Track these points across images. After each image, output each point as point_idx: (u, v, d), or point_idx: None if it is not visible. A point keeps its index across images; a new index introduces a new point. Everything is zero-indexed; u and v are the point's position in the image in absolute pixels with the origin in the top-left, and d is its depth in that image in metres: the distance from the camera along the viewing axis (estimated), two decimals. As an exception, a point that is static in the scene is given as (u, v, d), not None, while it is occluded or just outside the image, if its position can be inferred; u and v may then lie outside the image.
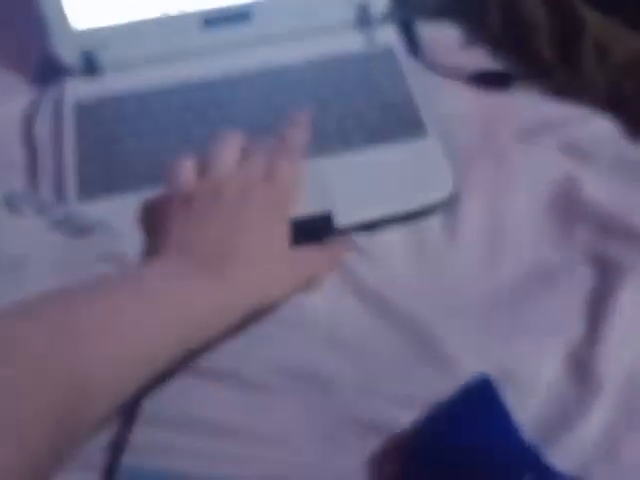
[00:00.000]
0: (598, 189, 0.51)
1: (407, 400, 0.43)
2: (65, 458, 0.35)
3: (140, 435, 0.41)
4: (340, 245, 0.48)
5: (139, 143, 0.53)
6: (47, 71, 0.58)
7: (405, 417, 0.42)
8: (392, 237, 0.50)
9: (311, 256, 0.47)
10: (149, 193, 0.50)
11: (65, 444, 0.34)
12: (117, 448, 0.40)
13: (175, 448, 0.41)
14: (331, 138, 0.53)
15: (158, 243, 0.45)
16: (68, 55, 0.56)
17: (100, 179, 0.52)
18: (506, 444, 0.40)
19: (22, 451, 0.31)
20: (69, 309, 0.36)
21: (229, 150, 0.49)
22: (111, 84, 0.56)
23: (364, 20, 0.59)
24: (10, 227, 0.44)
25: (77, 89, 0.56)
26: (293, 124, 0.50)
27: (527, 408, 0.42)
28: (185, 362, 0.42)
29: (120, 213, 0.49)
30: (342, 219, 0.49)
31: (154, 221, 0.48)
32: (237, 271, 0.42)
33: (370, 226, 0.50)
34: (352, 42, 0.59)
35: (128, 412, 0.41)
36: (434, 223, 0.50)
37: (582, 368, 0.44)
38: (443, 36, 0.60)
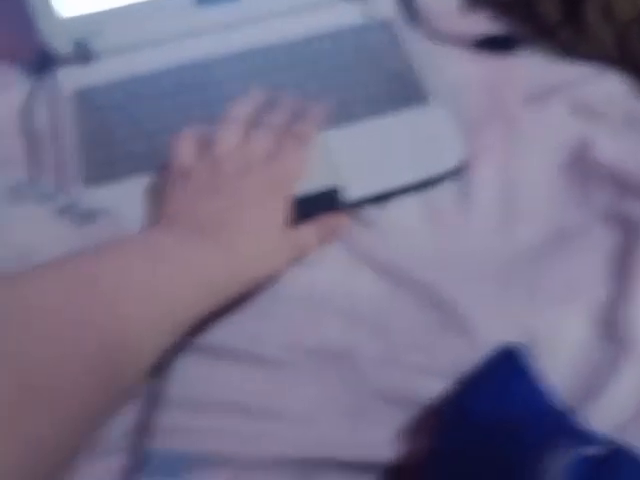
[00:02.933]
0: (612, 148, 0.49)
1: (431, 369, 0.42)
2: (98, 426, 0.33)
3: (163, 418, 0.39)
4: (339, 216, 0.48)
5: (138, 127, 0.52)
6: (41, 62, 0.57)
7: (430, 387, 0.41)
8: (404, 208, 0.48)
9: (308, 228, 0.47)
10: (151, 176, 0.49)
11: (100, 410, 0.33)
12: (141, 432, 0.39)
13: (199, 429, 0.40)
14: (334, 111, 0.52)
15: (158, 214, 0.46)
16: (60, 44, 0.55)
17: (102, 165, 0.50)
18: (538, 412, 0.39)
19: (56, 418, 0.29)
20: (84, 268, 0.36)
21: (234, 127, 0.48)
22: (105, 70, 0.55)
23: (361, -9, 0.58)
24: (15, 217, 0.43)
25: (72, 77, 0.55)
26: (308, 109, 0.50)
27: (557, 372, 0.41)
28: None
29: (125, 198, 0.48)
30: (351, 193, 0.48)
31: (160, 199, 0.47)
32: (232, 240, 0.43)
33: (380, 198, 0.49)
34: (349, 14, 0.57)
35: (151, 395, 0.40)
36: (445, 191, 0.49)
37: (609, 328, 0.43)
38: (443, 3, 0.59)
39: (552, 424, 0.38)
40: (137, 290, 0.36)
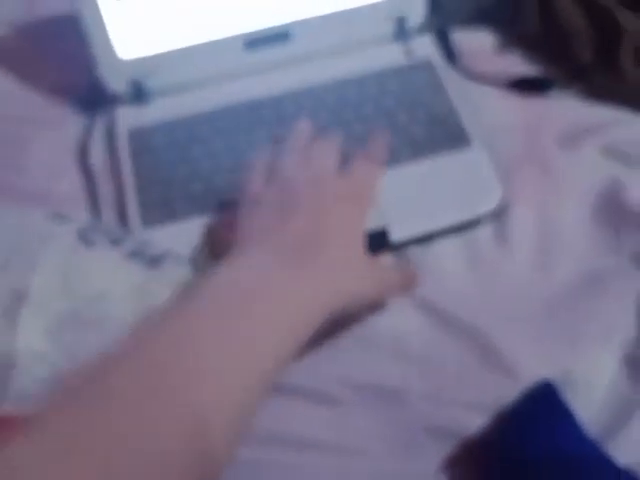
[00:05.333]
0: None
1: (474, 406, 0.45)
2: None
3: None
4: (414, 269, 0.49)
5: (193, 166, 0.55)
6: (96, 99, 0.60)
7: (473, 421, 0.45)
8: (446, 249, 0.51)
9: (390, 271, 0.47)
10: (208, 216, 0.52)
11: None
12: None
13: (260, 462, 0.43)
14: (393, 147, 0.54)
15: (232, 245, 0.44)
16: (116, 84, 0.58)
17: (160, 205, 0.53)
18: (574, 447, 0.43)
19: None
20: (157, 354, 0.35)
21: (297, 146, 0.49)
22: (160, 110, 0.58)
23: (402, 33, 0.60)
24: (87, 261, 0.46)
25: (127, 117, 0.58)
26: (372, 139, 0.52)
27: (588, 408, 0.44)
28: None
29: (183, 239, 0.51)
30: (396, 234, 0.51)
31: (221, 238, 0.49)
32: (318, 263, 0.41)
33: (423, 239, 0.52)
34: (391, 55, 0.60)
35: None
36: (485, 233, 0.52)
37: (637, 367, 0.46)
38: (478, 43, 0.62)
39: (592, 461, 0.41)
40: (214, 365, 0.35)
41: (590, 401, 0.45)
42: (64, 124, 0.60)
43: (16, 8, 0.66)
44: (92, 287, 0.45)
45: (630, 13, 0.55)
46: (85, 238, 0.48)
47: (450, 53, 0.60)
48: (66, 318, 0.45)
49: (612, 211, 0.52)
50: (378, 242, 0.51)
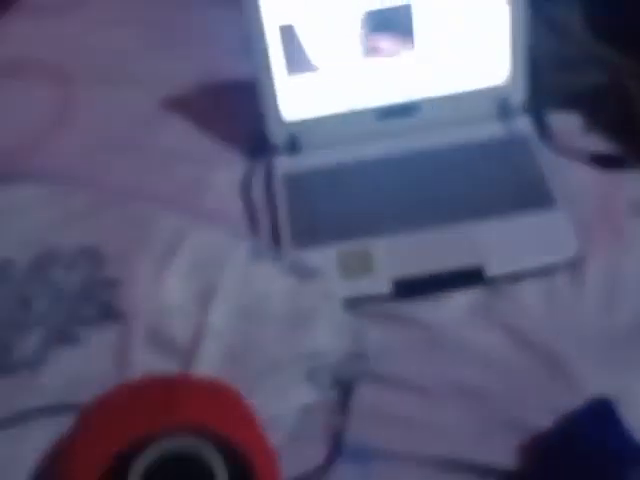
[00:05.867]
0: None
1: (542, 409, 0.58)
2: None
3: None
4: None
5: (333, 205, 0.71)
6: (259, 147, 0.77)
7: (540, 421, 0.57)
8: (530, 286, 0.65)
9: None
10: (346, 244, 0.68)
11: None
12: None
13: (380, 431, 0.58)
14: (479, 207, 0.69)
15: None
16: (277, 137, 0.75)
17: (307, 232, 0.70)
18: (621, 445, 0.55)
19: None
20: None
21: None
22: (309, 160, 0.75)
23: (504, 112, 0.75)
24: (255, 271, 0.62)
25: (284, 163, 0.75)
26: None
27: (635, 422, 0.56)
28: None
29: (324, 258, 0.67)
30: (490, 271, 0.65)
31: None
32: None
33: (512, 277, 0.65)
34: (494, 130, 0.75)
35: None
36: (564, 278, 0.65)
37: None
38: (568, 123, 0.76)
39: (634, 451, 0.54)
40: None
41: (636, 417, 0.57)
42: (232, 165, 0.77)
43: (200, 72, 0.85)
44: (259, 290, 0.61)
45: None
46: (254, 253, 0.64)
47: (544, 132, 0.74)
48: (239, 310, 0.61)
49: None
50: (475, 277, 0.65)
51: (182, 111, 0.81)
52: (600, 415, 0.57)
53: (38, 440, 0.56)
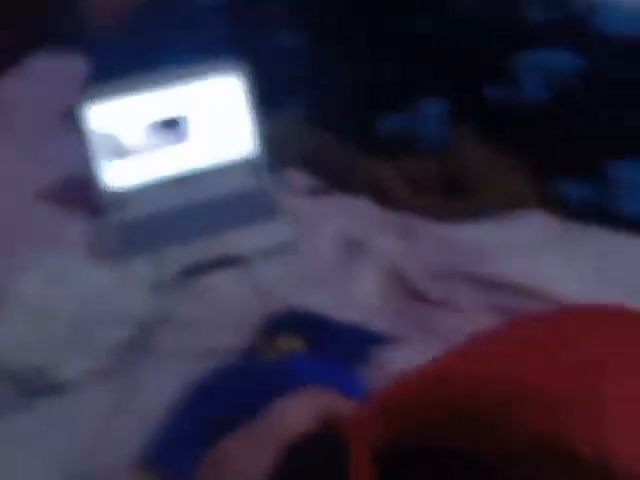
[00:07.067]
0: None
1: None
2: None
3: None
4: None
5: (148, 232, 1.11)
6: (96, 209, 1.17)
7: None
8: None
9: None
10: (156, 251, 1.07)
11: None
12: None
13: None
14: (233, 222, 1.12)
15: None
16: (107, 201, 1.16)
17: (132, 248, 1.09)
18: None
19: None
20: None
21: None
22: (130, 212, 1.16)
23: (254, 170, 1.20)
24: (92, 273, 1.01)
25: (114, 216, 1.15)
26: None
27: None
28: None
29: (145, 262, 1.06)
30: (243, 255, 1.06)
31: None
32: None
33: (257, 256, 1.06)
34: (248, 181, 1.19)
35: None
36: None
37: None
38: (294, 176, 1.20)
39: None
40: None
41: None
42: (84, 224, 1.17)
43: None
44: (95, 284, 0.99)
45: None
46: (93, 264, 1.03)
47: (278, 179, 1.19)
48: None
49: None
50: (233, 260, 1.06)
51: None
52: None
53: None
